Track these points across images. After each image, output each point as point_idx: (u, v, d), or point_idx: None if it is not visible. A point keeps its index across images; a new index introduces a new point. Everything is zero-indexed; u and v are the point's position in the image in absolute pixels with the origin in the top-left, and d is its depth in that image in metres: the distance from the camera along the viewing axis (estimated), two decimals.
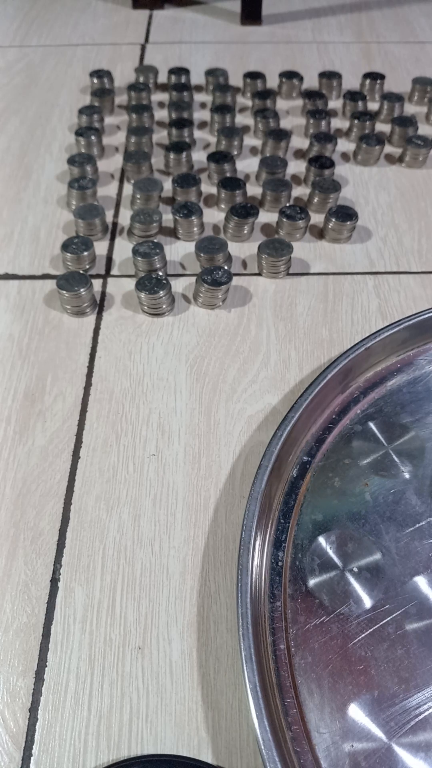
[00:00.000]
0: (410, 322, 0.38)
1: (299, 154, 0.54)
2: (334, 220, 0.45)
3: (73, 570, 0.31)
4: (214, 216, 0.49)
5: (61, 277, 0.41)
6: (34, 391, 0.38)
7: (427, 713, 0.26)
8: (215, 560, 0.31)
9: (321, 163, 0.50)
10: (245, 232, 0.46)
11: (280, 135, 0.53)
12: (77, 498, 0.33)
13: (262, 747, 0.24)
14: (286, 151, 0.53)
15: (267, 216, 0.49)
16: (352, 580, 0.30)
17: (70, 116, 0.58)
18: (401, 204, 0.50)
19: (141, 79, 0.61)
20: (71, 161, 0.51)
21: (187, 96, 0.58)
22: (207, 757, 0.26)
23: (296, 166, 0.53)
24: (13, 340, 0.41)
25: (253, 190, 0.51)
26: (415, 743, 0.25)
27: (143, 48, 0.68)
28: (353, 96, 0.58)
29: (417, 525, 0.31)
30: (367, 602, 0.29)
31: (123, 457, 0.35)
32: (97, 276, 0.44)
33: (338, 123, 0.58)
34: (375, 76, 0.60)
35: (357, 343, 0.37)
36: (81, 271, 0.43)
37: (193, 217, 0.46)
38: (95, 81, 0.60)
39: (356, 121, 0.55)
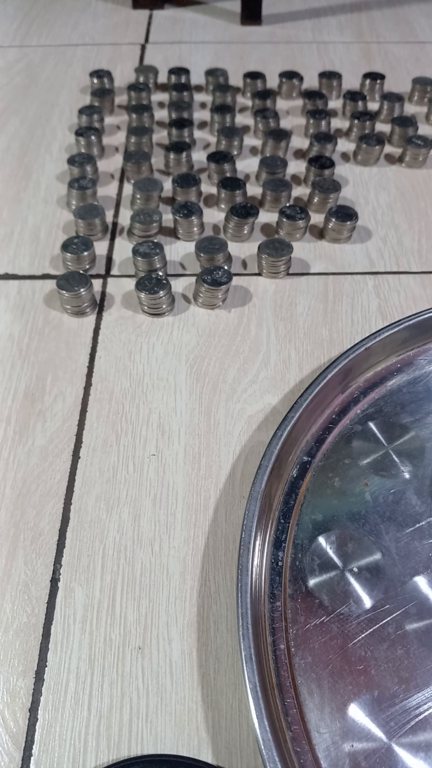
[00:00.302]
0: (410, 322, 0.38)
1: (299, 154, 0.54)
2: (334, 220, 0.45)
3: (73, 570, 0.31)
4: (214, 216, 0.49)
5: (61, 277, 0.41)
6: (34, 391, 0.38)
7: (427, 713, 0.26)
8: (215, 560, 0.31)
9: (321, 163, 0.50)
10: (245, 232, 0.46)
11: (280, 135, 0.53)
12: (77, 498, 0.33)
13: (262, 747, 0.24)
14: (286, 151, 0.53)
15: (267, 216, 0.49)
16: (352, 580, 0.30)
17: (70, 116, 0.58)
18: (401, 204, 0.50)
19: (141, 79, 0.61)
20: (71, 161, 0.51)
21: (187, 96, 0.58)
22: (207, 757, 0.26)
23: (296, 166, 0.53)
24: (13, 340, 0.41)
25: (253, 190, 0.51)
26: (415, 743, 0.25)
27: (143, 48, 0.68)
28: (353, 96, 0.58)
29: (417, 525, 0.31)
30: (367, 602, 0.29)
31: (123, 457, 0.35)
32: (97, 276, 0.44)
33: (338, 123, 0.58)
34: (375, 76, 0.60)
35: (357, 343, 0.37)
36: (81, 271, 0.43)
37: (193, 217, 0.46)
38: (95, 81, 0.60)
39: (356, 121, 0.55)
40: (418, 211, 0.49)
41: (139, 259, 0.43)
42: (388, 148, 0.55)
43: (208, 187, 0.51)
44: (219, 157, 0.51)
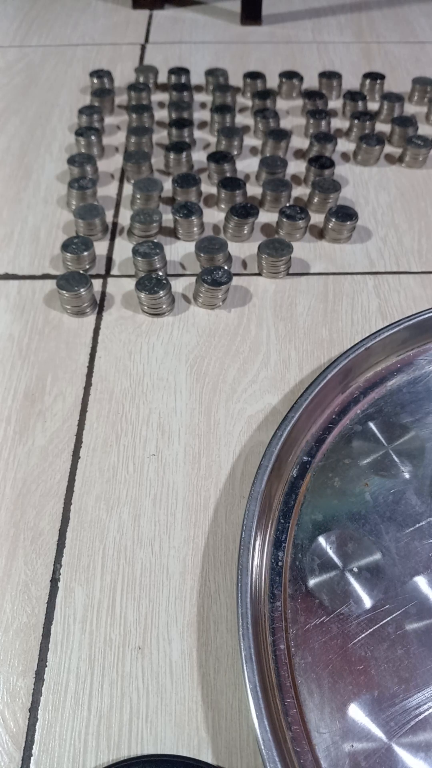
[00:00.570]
0: (410, 322, 0.38)
1: (299, 154, 0.54)
2: (334, 220, 0.45)
3: (73, 570, 0.31)
4: (214, 216, 0.49)
5: (61, 277, 0.41)
6: (34, 391, 0.38)
7: (427, 713, 0.26)
8: (215, 560, 0.31)
9: (321, 163, 0.50)
10: (245, 232, 0.46)
11: (280, 135, 0.53)
12: (77, 498, 0.33)
13: (262, 747, 0.24)
14: (286, 151, 0.53)
15: (267, 216, 0.49)
16: (352, 580, 0.30)
17: (70, 116, 0.58)
18: (401, 204, 0.50)
19: (141, 79, 0.61)
20: (71, 161, 0.51)
21: (187, 96, 0.58)
22: (207, 757, 0.26)
23: (296, 166, 0.53)
24: (13, 340, 0.41)
25: (253, 190, 0.51)
26: (415, 743, 0.25)
27: (143, 48, 0.68)
28: (353, 96, 0.58)
29: (417, 525, 0.31)
30: (367, 602, 0.29)
31: (123, 457, 0.35)
32: (97, 276, 0.44)
33: (338, 123, 0.58)
34: (375, 76, 0.60)
35: (357, 343, 0.37)
36: (81, 271, 0.43)
37: (193, 217, 0.46)
38: (95, 81, 0.60)
39: (356, 121, 0.55)
40: (418, 211, 0.49)
41: (139, 259, 0.43)
42: (388, 148, 0.55)
43: (208, 187, 0.51)
44: (219, 157, 0.51)
